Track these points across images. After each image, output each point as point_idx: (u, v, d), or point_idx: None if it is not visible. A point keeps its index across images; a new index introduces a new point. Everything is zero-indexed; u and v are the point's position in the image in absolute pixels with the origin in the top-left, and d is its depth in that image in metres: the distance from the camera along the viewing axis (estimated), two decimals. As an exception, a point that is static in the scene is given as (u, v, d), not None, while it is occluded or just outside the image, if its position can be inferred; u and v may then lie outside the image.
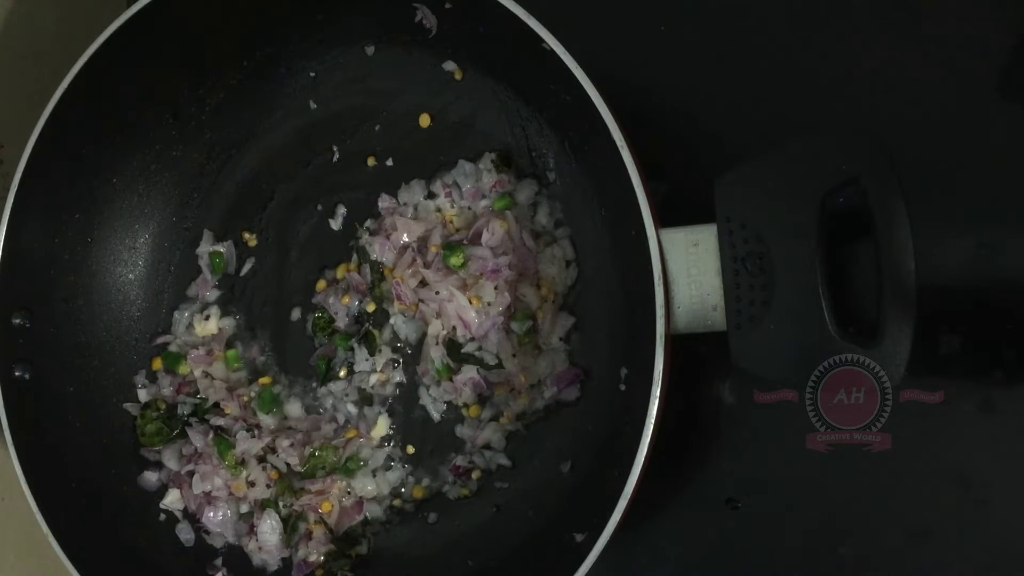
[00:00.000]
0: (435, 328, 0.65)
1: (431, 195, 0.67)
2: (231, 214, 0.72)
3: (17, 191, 0.64)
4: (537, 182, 0.65)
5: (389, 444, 0.67)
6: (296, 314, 0.70)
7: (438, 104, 0.68)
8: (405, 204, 0.68)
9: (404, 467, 0.67)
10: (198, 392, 0.70)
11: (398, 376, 0.67)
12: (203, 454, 0.69)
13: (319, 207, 0.70)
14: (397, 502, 0.67)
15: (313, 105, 0.70)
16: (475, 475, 0.65)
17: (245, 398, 0.69)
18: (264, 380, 0.70)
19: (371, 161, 0.69)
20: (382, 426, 0.67)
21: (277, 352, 0.70)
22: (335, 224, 0.70)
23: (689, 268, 0.54)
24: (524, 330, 0.63)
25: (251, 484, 0.68)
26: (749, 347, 0.52)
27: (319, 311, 0.69)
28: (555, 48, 0.53)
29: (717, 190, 0.53)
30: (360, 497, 0.67)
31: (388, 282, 0.67)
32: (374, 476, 0.67)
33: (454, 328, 0.64)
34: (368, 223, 0.69)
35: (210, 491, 0.68)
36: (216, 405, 0.70)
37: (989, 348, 0.59)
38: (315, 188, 0.70)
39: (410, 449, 0.67)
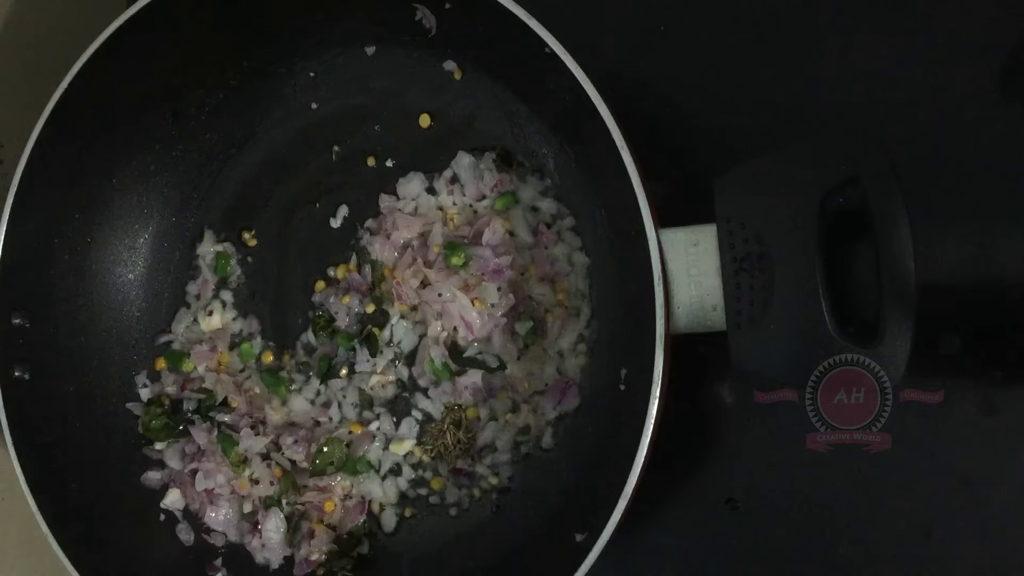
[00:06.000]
0: (435, 329, 0.65)
1: (432, 191, 0.67)
2: (231, 214, 0.72)
3: (17, 191, 0.64)
4: (539, 180, 0.65)
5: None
6: (296, 314, 0.70)
7: (438, 104, 0.68)
8: (405, 199, 0.68)
9: (413, 471, 0.67)
10: (201, 388, 0.70)
11: (398, 378, 0.67)
12: (206, 452, 0.69)
13: (319, 207, 0.70)
14: (409, 511, 0.67)
15: (313, 105, 0.71)
16: (485, 479, 0.65)
17: (252, 392, 0.70)
18: (267, 356, 0.70)
19: (371, 161, 0.69)
20: (407, 445, 0.67)
21: (277, 351, 0.70)
22: (335, 224, 0.70)
23: (689, 268, 0.54)
24: (526, 331, 0.63)
25: (255, 482, 0.68)
26: (749, 347, 0.52)
27: (319, 311, 0.69)
28: (555, 48, 0.53)
29: (717, 190, 0.53)
30: (363, 497, 0.67)
31: (388, 282, 0.67)
32: (383, 481, 0.67)
33: (455, 329, 0.64)
34: (368, 223, 0.69)
35: (212, 488, 0.68)
36: (223, 402, 0.70)
37: (989, 348, 0.59)
38: (315, 188, 0.70)
39: (417, 452, 0.67)
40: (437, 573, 0.65)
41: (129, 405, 0.70)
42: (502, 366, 0.64)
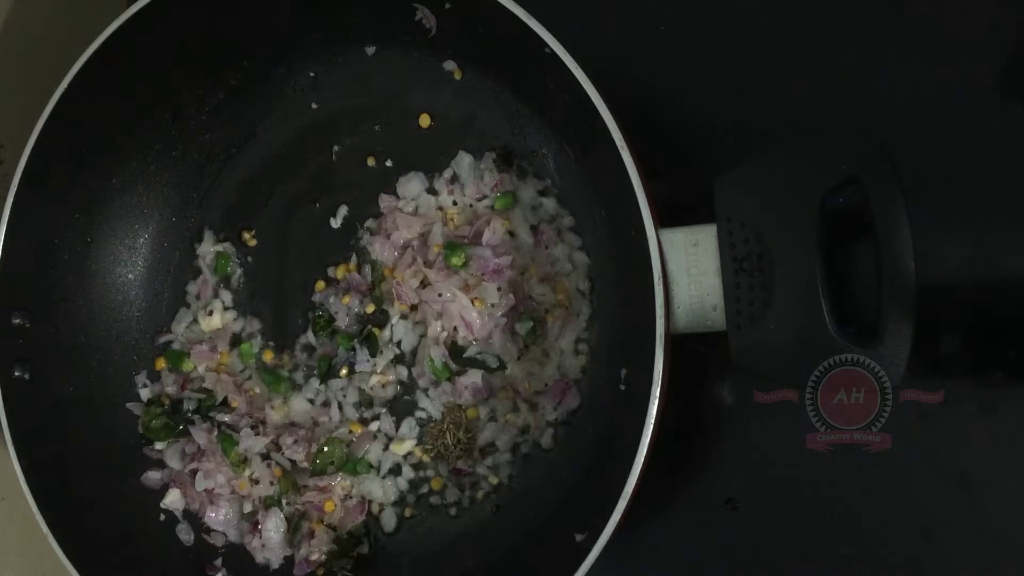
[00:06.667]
0: (435, 329, 0.65)
1: (432, 191, 0.67)
2: (231, 214, 0.72)
3: (17, 191, 0.64)
4: (539, 180, 0.65)
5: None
6: (296, 314, 0.70)
7: (438, 104, 0.68)
8: (405, 199, 0.68)
9: (413, 471, 0.67)
10: (202, 388, 0.70)
11: (398, 378, 0.67)
12: (206, 452, 0.69)
13: (319, 207, 0.70)
14: (409, 511, 0.67)
15: (313, 105, 0.71)
16: (485, 479, 0.65)
17: (252, 392, 0.70)
18: (268, 354, 0.70)
19: (371, 161, 0.69)
20: (408, 445, 0.67)
21: (277, 351, 0.70)
22: (335, 224, 0.70)
23: (689, 268, 0.54)
24: (526, 331, 0.63)
25: (255, 482, 0.68)
26: (749, 347, 0.52)
27: (319, 311, 0.69)
28: (555, 48, 0.53)
29: (717, 190, 0.53)
30: (363, 497, 0.67)
31: (388, 282, 0.67)
32: (383, 481, 0.67)
33: (455, 329, 0.64)
34: (368, 223, 0.69)
35: (212, 488, 0.68)
36: (224, 402, 0.70)
37: (989, 348, 0.59)
38: (315, 188, 0.70)
39: (418, 452, 0.67)
40: (437, 573, 0.65)
41: (129, 405, 0.70)
42: (502, 366, 0.64)
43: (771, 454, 0.62)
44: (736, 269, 0.52)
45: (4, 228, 0.64)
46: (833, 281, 0.51)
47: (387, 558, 0.67)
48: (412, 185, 0.68)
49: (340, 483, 0.68)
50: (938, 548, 0.59)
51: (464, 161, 0.67)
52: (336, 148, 0.70)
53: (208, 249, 0.72)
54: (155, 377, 0.71)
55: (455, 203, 0.67)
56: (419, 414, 0.67)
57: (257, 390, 0.70)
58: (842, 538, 0.60)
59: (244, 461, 0.68)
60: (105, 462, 0.68)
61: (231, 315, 0.71)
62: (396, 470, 0.67)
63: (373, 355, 0.67)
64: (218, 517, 0.68)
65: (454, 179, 0.67)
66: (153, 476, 0.69)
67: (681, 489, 0.64)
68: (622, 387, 0.60)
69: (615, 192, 0.54)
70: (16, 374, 0.65)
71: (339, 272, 0.69)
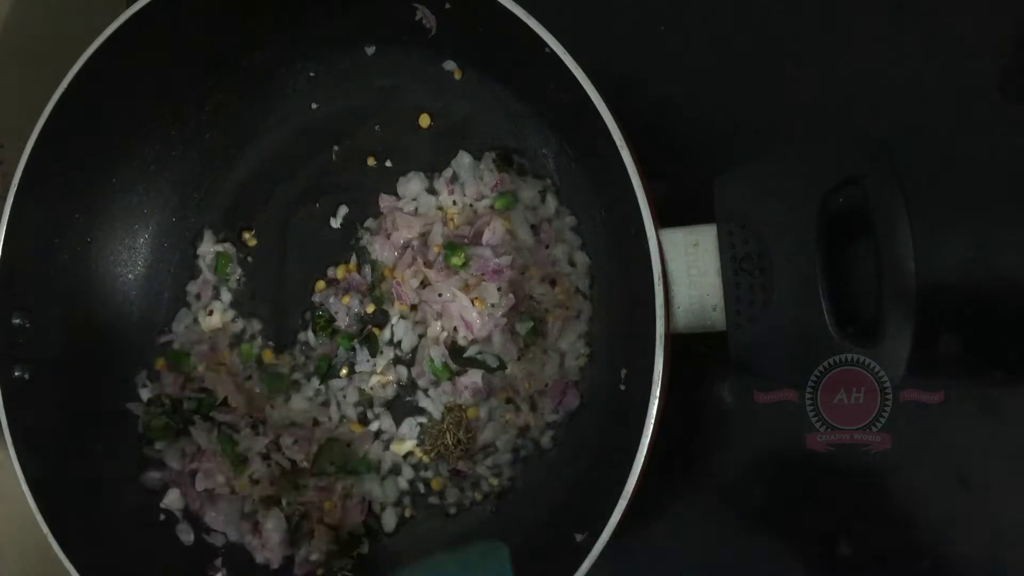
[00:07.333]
0: (435, 329, 0.65)
1: (432, 191, 0.67)
2: (231, 214, 0.72)
3: (17, 191, 0.64)
4: (539, 180, 0.65)
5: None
6: (296, 314, 0.70)
7: (438, 104, 0.68)
8: (405, 199, 0.68)
9: (413, 471, 0.67)
10: (202, 388, 0.70)
11: (398, 378, 0.67)
12: (206, 451, 0.69)
13: (319, 207, 0.70)
14: (408, 511, 0.67)
15: (313, 105, 0.71)
16: (485, 480, 0.65)
17: (252, 392, 0.69)
18: (268, 354, 0.70)
19: (371, 161, 0.69)
20: (408, 445, 0.67)
21: (277, 351, 0.70)
22: (335, 224, 0.70)
23: (689, 268, 0.54)
24: (526, 331, 0.63)
25: (255, 482, 0.68)
26: (749, 347, 0.52)
27: (319, 311, 0.69)
28: (555, 48, 0.53)
29: (717, 190, 0.53)
30: (363, 497, 0.67)
31: (388, 282, 0.67)
32: (382, 481, 0.67)
33: (455, 329, 0.64)
34: (368, 223, 0.69)
35: (212, 488, 0.68)
36: (224, 402, 0.70)
37: (989, 348, 0.59)
38: (315, 188, 0.70)
39: (418, 452, 0.67)
40: (437, 573, 0.66)
41: (129, 405, 0.70)
42: (502, 366, 0.64)
43: (771, 454, 0.62)
44: (736, 269, 0.53)
45: (4, 228, 0.64)
46: (833, 281, 0.51)
47: (387, 558, 0.67)
48: (412, 185, 0.68)
49: (340, 483, 0.68)
50: (938, 549, 0.59)
51: (464, 161, 0.67)
52: (336, 148, 0.70)
53: (208, 249, 0.72)
54: (155, 377, 0.71)
55: (455, 203, 0.67)
56: (419, 414, 0.67)
57: (257, 390, 0.70)
58: (842, 538, 0.60)
59: (244, 461, 0.68)
60: (105, 462, 0.68)
61: (231, 315, 0.71)
62: (396, 470, 0.67)
63: (373, 355, 0.68)
64: (218, 517, 0.68)
65: (454, 179, 0.67)
66: (153, 476, 0.69)
67: (681, 489, 0.64)
68: (622, 387, 0.60)
69: (615, 192, 0.54)
70: (16, 374, 0.65)
71: (339, 272, 0.69)
